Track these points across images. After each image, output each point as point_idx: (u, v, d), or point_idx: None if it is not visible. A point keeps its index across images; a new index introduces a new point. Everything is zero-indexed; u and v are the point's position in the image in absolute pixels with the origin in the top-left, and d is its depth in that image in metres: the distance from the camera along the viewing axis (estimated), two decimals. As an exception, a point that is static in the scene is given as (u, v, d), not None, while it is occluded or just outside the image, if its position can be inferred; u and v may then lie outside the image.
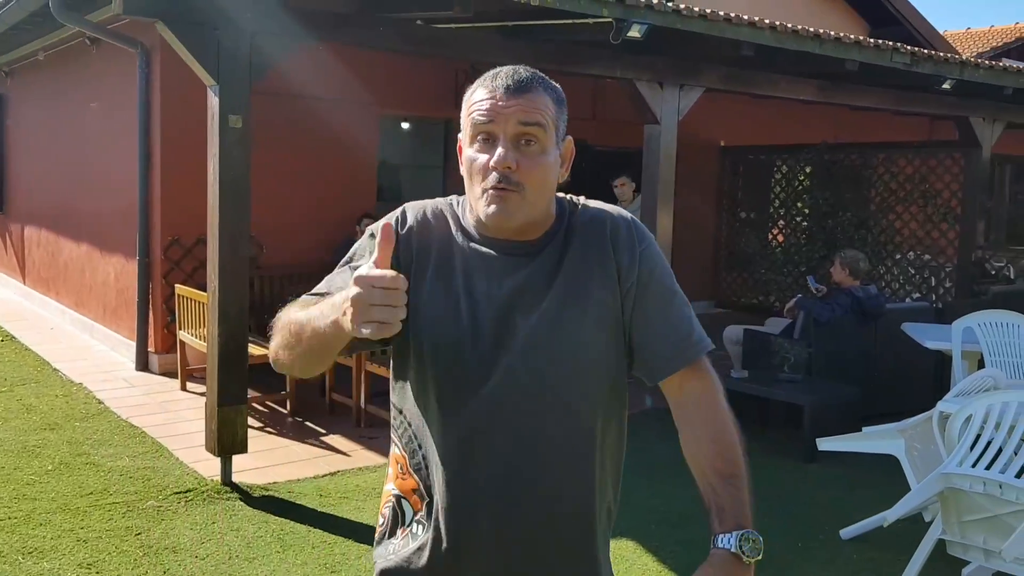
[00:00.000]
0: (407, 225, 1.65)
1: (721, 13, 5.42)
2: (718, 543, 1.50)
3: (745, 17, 5.54)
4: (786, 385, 5.92)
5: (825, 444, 4.45)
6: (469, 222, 1.64)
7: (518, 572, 1.63)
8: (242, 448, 4.95)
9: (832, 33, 6.04)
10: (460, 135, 1.64)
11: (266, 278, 8.28)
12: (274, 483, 5.10)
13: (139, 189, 7.72)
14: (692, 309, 1.67)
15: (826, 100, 7.57)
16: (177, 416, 6.44)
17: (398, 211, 1.68)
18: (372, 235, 1.65)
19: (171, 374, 7.49)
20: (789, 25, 5.81)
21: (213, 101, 4.77)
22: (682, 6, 5.27)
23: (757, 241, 10.86)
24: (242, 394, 4.91)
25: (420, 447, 1.68)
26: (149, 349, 7.87)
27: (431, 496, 1.65)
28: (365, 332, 1.35)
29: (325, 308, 1.49)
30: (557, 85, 1.64)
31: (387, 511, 1.74)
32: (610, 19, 4.91)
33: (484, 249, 1.61)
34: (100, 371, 7.76)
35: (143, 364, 7.85)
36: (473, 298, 1.58)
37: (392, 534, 1.73)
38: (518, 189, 1.53)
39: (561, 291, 1.58)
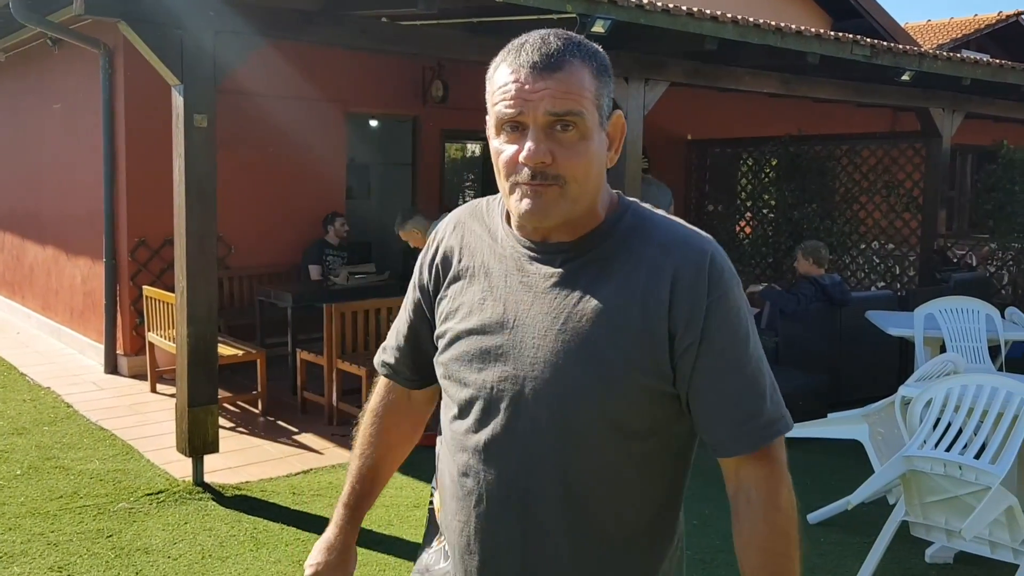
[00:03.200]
0: (437, 242, 1.54)
1: (684, 8, 5.48)
2: None
3: (708, 12, 5.61)
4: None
5: (792, 431, 4.52)
6: (497, 222, 1.47)
7: None
8: (213, 448, 4.95)
9: (793, 27, 6.12)
10: (488, 118, 1.39)
11: (235, 278, 8.25)
12: (247, 482, 5.09)
13: (104, 190, 7.67)
14: (769, 374, 1.36)
15: (789, 93, 7.66)
16: (147, 418, 6.41)
17: (439, 226, 1.58)
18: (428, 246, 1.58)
19: (141, 376, 7.45)
20: (751, 19, 5.88)
21: (178, 101, 4.76)
22: (645, 1, 5.32)
23: (725, 233, 10.97)
24: (212, 394, 4.90)
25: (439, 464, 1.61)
26: (118, 352, 7.83)
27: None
28: None
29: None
30: (599, 49, 1.38)
31: (429, 513, 1.70)
32: (574, 15, 4.95)
33: (513, 251, 1.42)
34: (68, 375, 7.70)
35: (112, 367, 7.80)
36: (495, 308, 1.40)
37: (428, 543, 1.66)
38: (557, 182, 1.31)
39: (583, 321, 1.33)
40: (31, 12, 6.13)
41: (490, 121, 1.38)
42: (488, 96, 1.38)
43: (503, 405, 1.37)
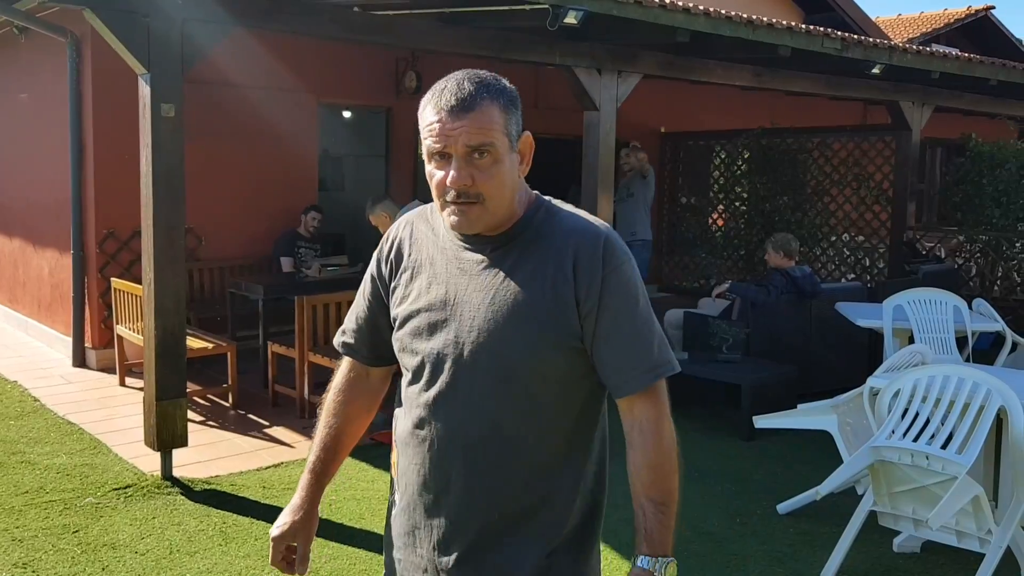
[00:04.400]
0: (392, 240, 1.87)
1: (656, 0, 5.48)
2: (638, 563, 1.64)
3: (680, 3, 5.61)
4: (725, 366, 6.04)
5: (761, 421, 4.55)
6: (439, 222, 1.79)
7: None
8: (182, 442, 4.90)
9: (765, 19, 6.14)
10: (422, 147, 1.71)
11: (205, 270, 8.17)
12: (216, 476, 5.05)
13: (72, 181, 7.56)
14: (658, 331, 1.69)
15: (761, 86, 7.69)
16: (116, 412, 6.34)
17: (392, 227, 1.91)
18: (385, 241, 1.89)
19: (109, 369, 7.36)
20: (723, 11, 5.90)
21: (144, 90, 4.69)
22: (617, -8, 5.31)
23: (697, 226, 11.01)
24: (181, 387, 4.85)
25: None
26: (86, 345, 7.73)
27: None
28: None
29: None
30: (506, 86, 1.69)
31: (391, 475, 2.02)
32: (546, 5, 4.93)
33: (452, 244, 1.76)
34: (36, 368, 7.59)
35: (80, 360, 7.70)
36: (439, 290, 1.74)
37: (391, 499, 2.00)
38: (478, 200, 1.64)
39: (508, 295, 1.67)
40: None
41: (423, 150, 1.69)
42: (420, 130, 1.68)
43: (447, 366, 1.70)
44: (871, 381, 4.07)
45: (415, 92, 9.16)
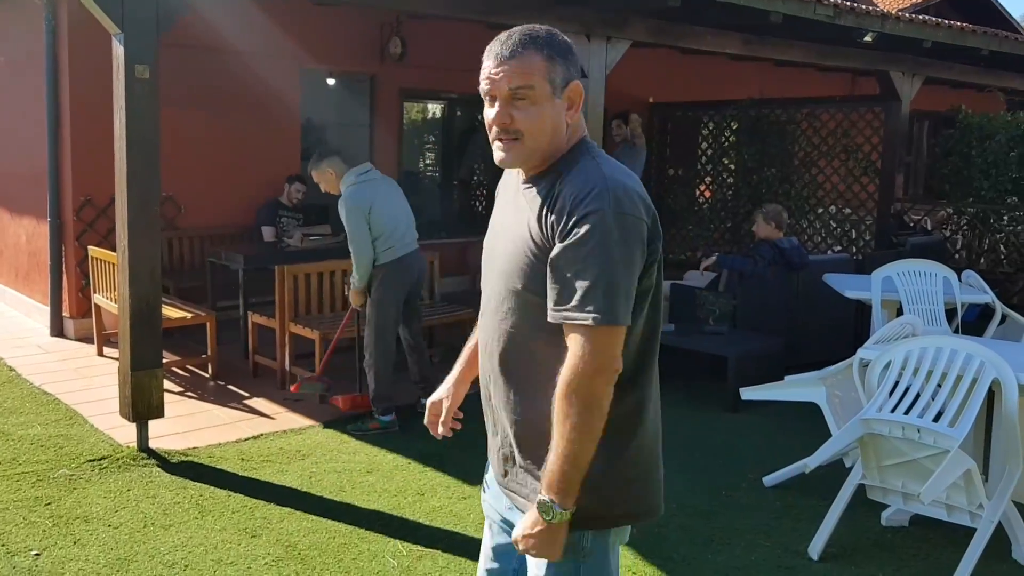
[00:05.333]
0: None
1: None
2: (538, 497, 1.79)
3: (670, -33, 5.47)
4: (711, 337, 5.97)
5: (748, 393, 4.49)
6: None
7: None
8: (158, 413, 4.79)
9: (756, -15, 6.01)
10: None
11: (185, 239, 8.03)
12: (194, 448, 4.95)
13: (48, 147, 7.40)
14: (607, 282, 1.71)
15: (751, 54, 7.57)
16: (93, 382, 6.22)
17: None
18: None
19: (87, 339, 7.24)
20: (713, -24, 5.77)
21: (118, 51, 4.53)
22: (606, -46, 5.16)
23: (685, 197, 10.91)
24: (156, 358, 4.74)
25: None
26: (64, 314, 7.59)
27: None
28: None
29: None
30: (556, 38, 1.85)
31: None
32: (533, -34, 4.78)
33: (514, 181, 1.97)
34: (12, 338, 7.46)
35: (58, 330, 7.57)
36: (495, 219, 2.03)
37: None
38: (517, 136, 1.82)
39: (518, 224, 1.87)
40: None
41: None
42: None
43: (485, 284, 1.99)
44: (861, 353, 4.00)
45: (400, 59, 8.99)
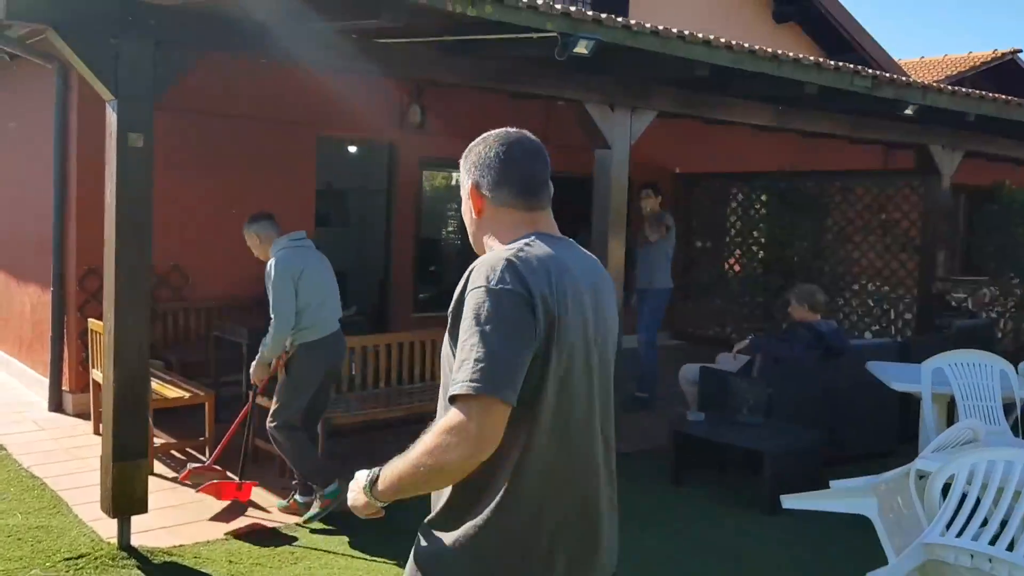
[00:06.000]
0: None
1: (675, 30, 5.05)
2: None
3: (700, 35, 5.17)
4: (745, 429, 5.51)
5: (790, 502, 4.03)
6: None
7: None
8: (141, 508, 4.40)
9: (791, 54, 5.70)
10: None
11: (191, 311, 7.73)
12: (180, 546, 4.54)
13: (54, 213, 7.17)
14: (481, 353, 1.71)
15: (782, 126, 7.25)
16: (85, 464, 5.85)
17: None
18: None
19: (85, 415, 6.89)
20: (746, 44, 5.46)
21: (111, 117, 4.28)
22: (632, 21, 4.88)
23: (712, 271, 10.52)
24: (141, 447, 4.37)
25: None
26: (63, 388, 7.28)
27: None
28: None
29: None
30: (473, 142, 1.99)
31: None
32: (555, 33, 4.50)
33: None
34: (10, 412, 7.14)
35: (56, 404, 7.24)
36: None
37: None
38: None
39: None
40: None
41: None
42: None
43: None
44: (919, 463, 3.55)
45: (419, 126, 8.77)
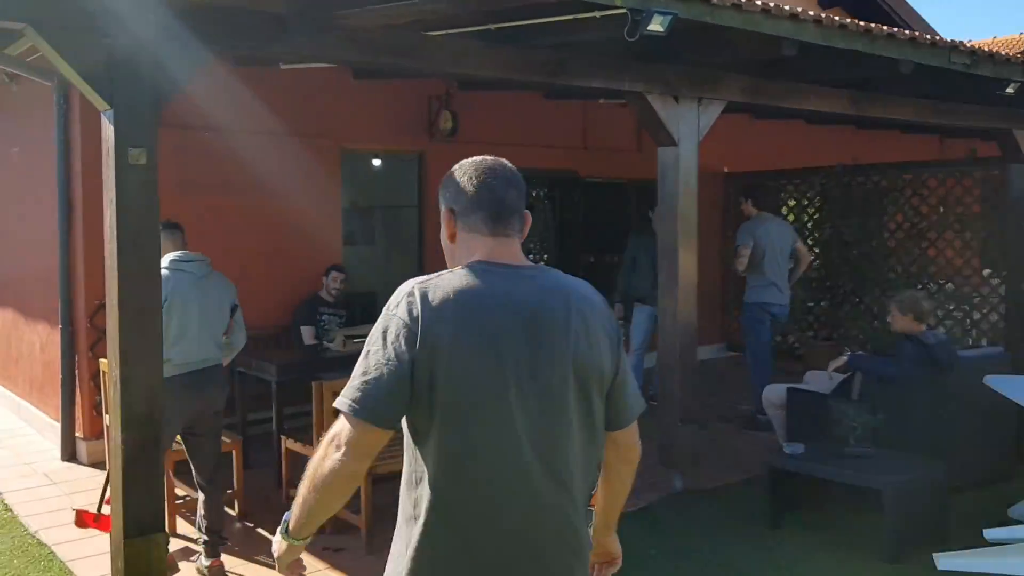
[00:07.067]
0: None
1: (758, 2, 4.33)
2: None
3: (787, 8, 4.46)
4: (855, 462, 4.73)
5: (947, 561, 3.29)
6: None
7: None
8: (158, 591, 3.72)
9: (884, 28, 4.97)
10: None
11: (214, 344, 7.06)
12: (206, 631, 3.87)
13: (59, 245, 6.55)
14: (357, 372, 1.82)
15: (859, 113, 6.51)
16: (98, 525, 5.19)
17: None
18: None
19: (101, 464, 6.23)
20: (836, 18, 4.74)
21: (107, 131, 3.61)
22: (710, -5, 4.17)
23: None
24: (156, 520, 3.68)
25: None
26: (76, 434, 6.64)
27: None
28: None
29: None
30: (448, 173, 2.01)
31: None
32: (624, 10, 3.80)
33: None
34: (20, 463, 6.52)
35: (70, 453, 6.61)
36: None
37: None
38: None
39: None
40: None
41: None
42: None
43: None
44: None
45: (451, 134, 8.09)
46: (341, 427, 1.79)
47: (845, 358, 5.50)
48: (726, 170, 10.20)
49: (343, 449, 1.78)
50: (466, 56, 4.68)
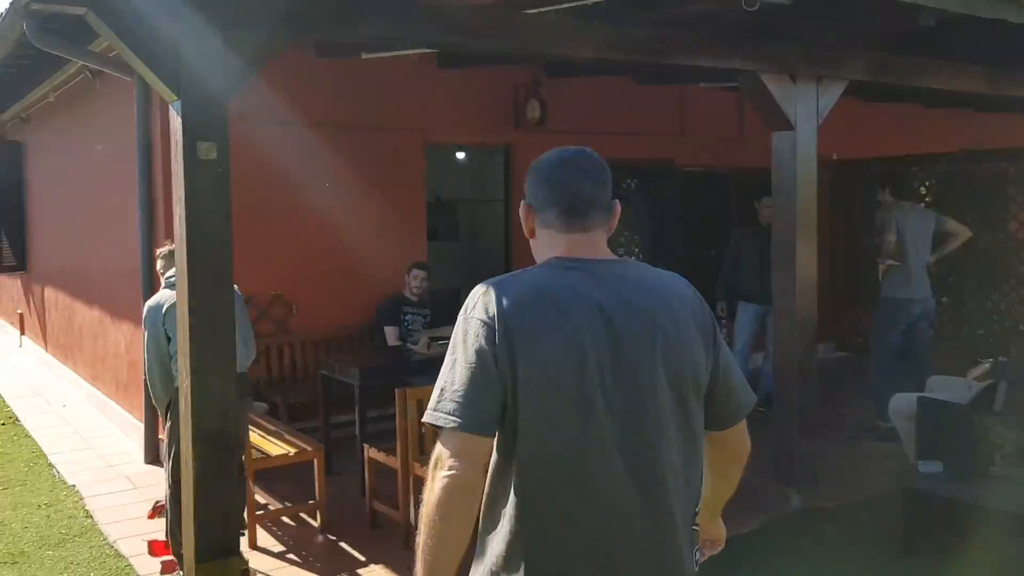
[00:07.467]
0: None
1: (894, -35, 3.82)
2: None
3: (925, -30, 3.92)
4: (1003, 485, 4.18)
5: None
6: None
7: None
8: (233, 621, 3.44)
9: (1033, -8, 4.38)
10: None
11: (297, 344, 6.85)
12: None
13: (141, 242, 6.40)
14: (439, 382, 1.73)
15: (994, 92, 5.88)
16: (178, 536, 4.99)
17: None
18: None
19: (184, 468, 6.07)
20: (979, -18, 4.18)
21: (175, 123, 3.35)
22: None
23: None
24: (231, 541, 3.41)
25: None
26: (159, 436, 6.48)
27: None
28: None
29: None
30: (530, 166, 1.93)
31: None
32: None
33: None
34: (103, 465, 6.42)
35: (153, 455, 6.47)
36: None
37: None
38: None
39: None
40: (48, 35, 4.69)
41: None
42: None
43: None
44: None
45: (539, 123, 7.69)
46: (441, 448, 1.67)
47: (986, 365, 4.93)
48: (835, 157, 9.54)
49: (450, 462, 1.66)
50: (560, 35, 4.28)
